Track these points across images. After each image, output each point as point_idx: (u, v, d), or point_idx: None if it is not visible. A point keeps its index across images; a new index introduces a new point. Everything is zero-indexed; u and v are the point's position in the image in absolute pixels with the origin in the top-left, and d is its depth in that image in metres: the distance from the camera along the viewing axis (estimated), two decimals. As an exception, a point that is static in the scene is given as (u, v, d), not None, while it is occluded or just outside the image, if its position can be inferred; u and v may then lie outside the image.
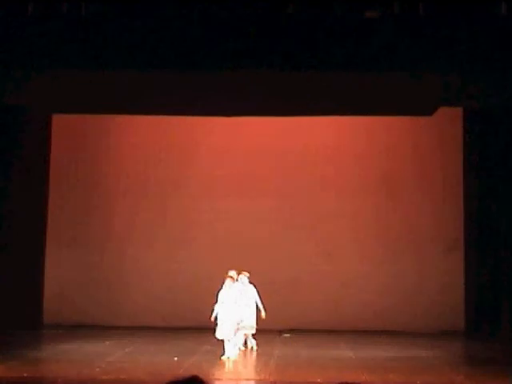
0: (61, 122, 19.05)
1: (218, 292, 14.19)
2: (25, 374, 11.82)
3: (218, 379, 12.40)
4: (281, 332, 17.34)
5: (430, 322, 18.18)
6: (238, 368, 13.73)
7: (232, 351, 14.05)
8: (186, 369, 12.56)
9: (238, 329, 14.22)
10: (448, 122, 18.44)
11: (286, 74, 13.17)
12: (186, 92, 14.76)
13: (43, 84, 14.25)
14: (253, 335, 14.91)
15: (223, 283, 14.28)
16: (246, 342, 14.90)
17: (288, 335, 17.18)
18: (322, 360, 13.85)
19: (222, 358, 13.93)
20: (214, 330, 14.14)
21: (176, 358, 13.61)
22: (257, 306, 14.80)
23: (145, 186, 19.37)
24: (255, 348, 14.88)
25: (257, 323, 14.80)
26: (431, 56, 12.49)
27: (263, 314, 14.71)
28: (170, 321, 18.18)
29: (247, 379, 12.84)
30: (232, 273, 14.54)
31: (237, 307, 14.18)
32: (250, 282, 14.90)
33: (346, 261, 18.67)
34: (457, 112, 18.35)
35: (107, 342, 15.78)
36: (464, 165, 18.68)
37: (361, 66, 12.58)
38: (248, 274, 14.87)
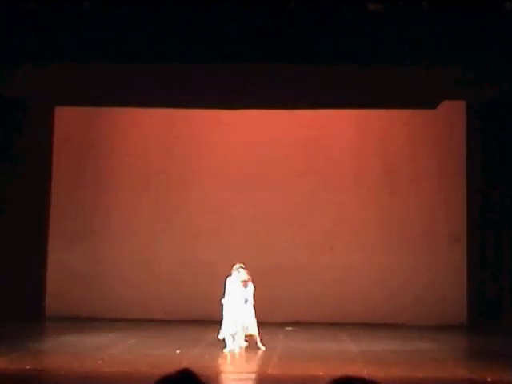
0: (63, 117, 19.05)
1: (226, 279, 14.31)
2: (27, 367, 11.84)
3: (221, 372, 12.41)
4: (283, 325, 17.34)
5: (432, 315, 18.17)
6: (240, 361, 13.75)
7: (235, 344, 14.06)
8: (188, 361, 12.56)
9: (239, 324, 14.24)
10: (451, 114, 18.42)
11: (287, 68, 13.15)
12: (189, 85, 14.75)
13: (45, 77, 14.25)
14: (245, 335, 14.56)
15: (229, 275, 14.38)
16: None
17: (290, 328, 17.18)
18: (324, 353, 13.86)
19: (224, 350, 13.93)
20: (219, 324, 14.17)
21: (178, 351, 13.62)
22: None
23: (147, 181, 19.36)
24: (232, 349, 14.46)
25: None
26: (435, 49, 12.47)
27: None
28: (173, 313, 18.18)
29: (249, 372, 12.86)
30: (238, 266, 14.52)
31: (244, 304, 14.22)
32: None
33: (348, 254, 18.67)
34: (460, 105, 18.33)
35: (110, 335, 15.79)
36: (467, 158, 18.67)
37: (363, 59, 12.57)
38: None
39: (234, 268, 14.43)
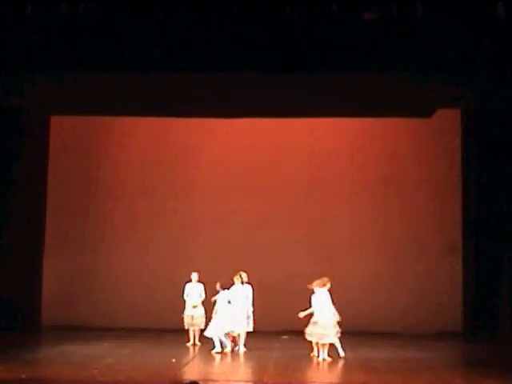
0: (59, 124, 19.04)
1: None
2: (23, 376, 11.81)
3: (216, 381, 12.38)
4: (279, 333, 17.32)
5: (428, 323, 18.17)
6: (236, 370, 13.73)
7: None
8: (183, 370, 12.57)
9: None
10: (446, 123, 18.46)
11: (283, 76, 13.17)
12: (185, 93, 14.76)
13: (41, 86, 14.24)
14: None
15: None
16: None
17: (286, 337, 17.16)
18: (320, 361, 13.84)
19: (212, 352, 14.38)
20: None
21: (174, 360, 13.61)
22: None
23: (143, 189, 19.37)
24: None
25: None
26: (429, 58, 12.50)
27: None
28: (168, 322, 18.12)
29: (245, 381, 12.83)
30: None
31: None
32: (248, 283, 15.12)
33: (344, 263, 18.65)
34: (455, 113, 18.38)
35: (105, 344, 15.78)
36: (462, 166, 18.71)
37: (358, 67, 12.59)
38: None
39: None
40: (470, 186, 18.42)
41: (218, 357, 14.26)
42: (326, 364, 13.61)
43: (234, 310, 14.76)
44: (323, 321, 14.00)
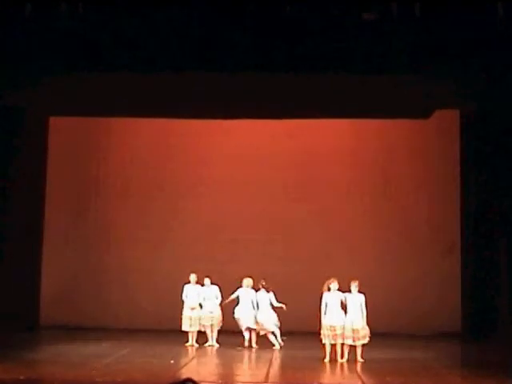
0: (58, 124, 19.04)
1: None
2: (21, 377, 11.78)
3: (214, 382, 12.38)
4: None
5: (426, 324, 18.17)
6: (235, 370, 13.72)
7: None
8: (182, 371, 12.56)
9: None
10: (445, 124, 18.46)
11: (283, 76, 13.18)
12: (183, 94, 14.76)
13: (41, 86, 14.25)
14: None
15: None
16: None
17: (285, 338, 17.13)
18: (318, 362, 13.83)
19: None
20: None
21: (172, 361, 13.60)
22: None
23: (142, 189, 19.36)
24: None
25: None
26: (428, 58, 12.50)
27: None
28: (167, 323, 18.13)
29: (243, 382, 12.82)
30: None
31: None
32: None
33: (343, 263, 18.63)
34: (454, 114, 18.37)
35: (104, 344, 15.77)
36: (461, 167, 18.70)
37: (358, 67, 12.59)
38: None
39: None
40: (469, 186, 18.41)
41: (220, 357, 14.34)
42: (324, 365, 13.60)
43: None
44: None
